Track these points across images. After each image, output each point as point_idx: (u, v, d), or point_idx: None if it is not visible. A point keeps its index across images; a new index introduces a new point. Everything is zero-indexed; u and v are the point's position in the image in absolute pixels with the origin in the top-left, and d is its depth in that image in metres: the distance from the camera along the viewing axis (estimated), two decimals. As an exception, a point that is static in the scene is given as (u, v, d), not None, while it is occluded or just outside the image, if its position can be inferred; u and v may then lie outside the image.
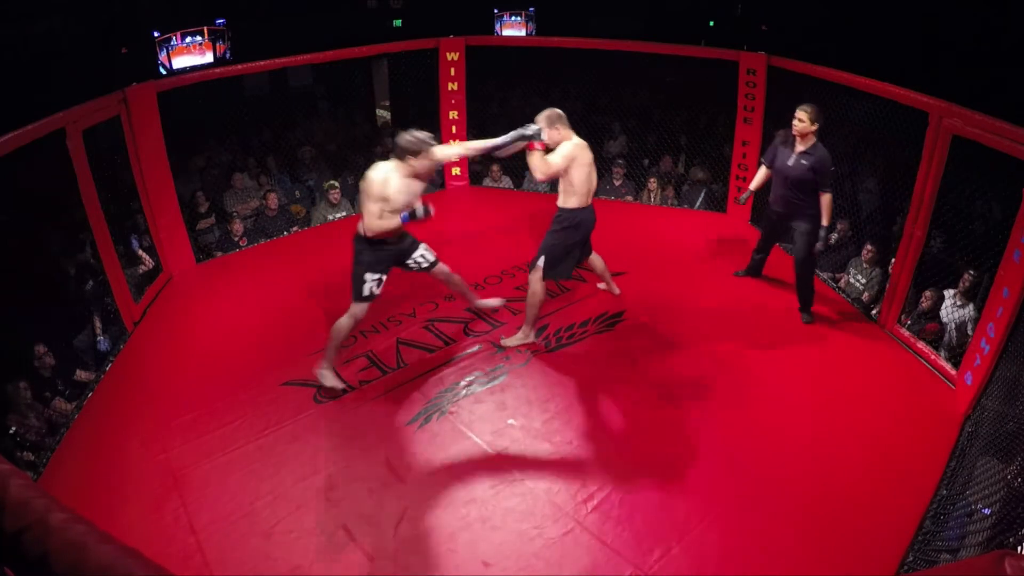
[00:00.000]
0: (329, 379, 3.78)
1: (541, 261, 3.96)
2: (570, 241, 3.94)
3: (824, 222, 4.18)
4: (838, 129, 5.01)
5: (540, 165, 3.68)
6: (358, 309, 3.68)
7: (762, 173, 4.67)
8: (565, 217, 3.90)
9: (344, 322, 3.68)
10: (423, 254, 3.90)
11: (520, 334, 4.22)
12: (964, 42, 6.44)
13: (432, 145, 3.52)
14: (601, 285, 4.83)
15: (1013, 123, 3.40)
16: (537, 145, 3.68)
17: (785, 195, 4.32)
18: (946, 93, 3.90)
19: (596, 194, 5.62)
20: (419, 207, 3.54)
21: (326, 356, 3.78)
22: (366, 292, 3.65)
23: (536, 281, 4.01)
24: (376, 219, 3.46)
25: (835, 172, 4.38)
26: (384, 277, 3.70)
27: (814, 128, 4.11)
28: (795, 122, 4.18)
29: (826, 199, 4.15)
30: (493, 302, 4.49)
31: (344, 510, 3.01)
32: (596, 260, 4.52)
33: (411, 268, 3.90)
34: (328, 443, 3.41)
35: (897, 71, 4.46)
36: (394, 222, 3.51)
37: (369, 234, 3.52)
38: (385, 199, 3.44)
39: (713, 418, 3.59)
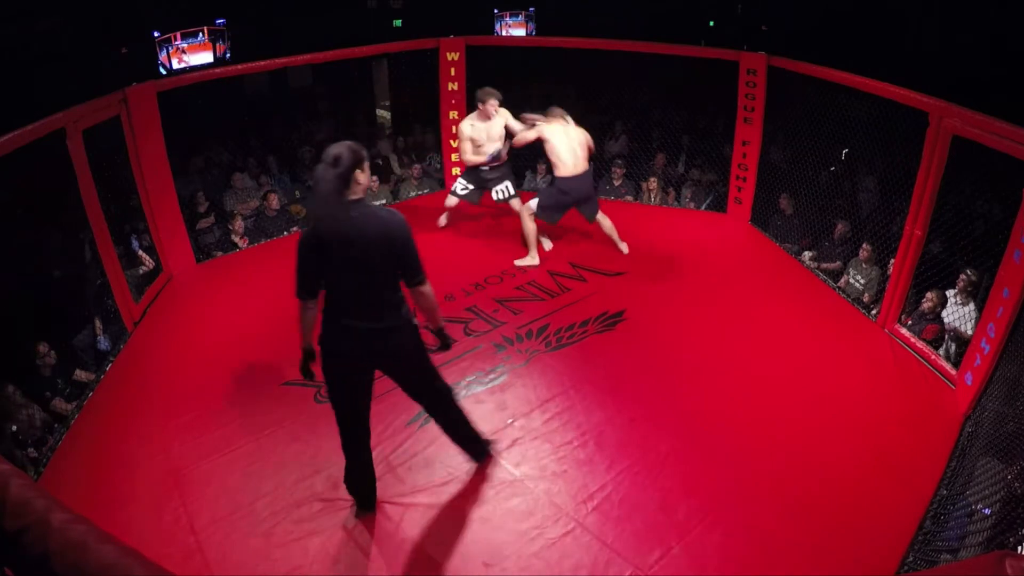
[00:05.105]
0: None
1: (534, 203, 5.14)
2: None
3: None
4: (838, 129, 5.01)
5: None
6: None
7: None
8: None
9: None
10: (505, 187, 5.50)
11: (530, 257, 5.27)
12: (964, 42, 6.45)
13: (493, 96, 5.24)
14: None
15: (1013, 123, 3.40)
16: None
17: None
18: (946, 93, 3.89)
19: (596, 193, 5.41)
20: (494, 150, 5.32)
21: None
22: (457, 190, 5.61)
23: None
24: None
25: (834, 172, 4.35)
26: (471, 185, 5.54)
27: None
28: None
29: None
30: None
31: (344, 510, 3.01)
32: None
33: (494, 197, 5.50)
34: (328, 443, 3.40)
35: (897, 71, 4.46)
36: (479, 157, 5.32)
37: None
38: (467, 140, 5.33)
39: (713, 418, 3.59)
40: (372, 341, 2.59)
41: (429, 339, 2.84)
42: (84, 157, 4.15)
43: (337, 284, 2.53)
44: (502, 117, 5.31)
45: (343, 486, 3.10)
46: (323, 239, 2.45)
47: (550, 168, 5.13)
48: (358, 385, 2.74)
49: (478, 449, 3.20)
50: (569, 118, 5.06)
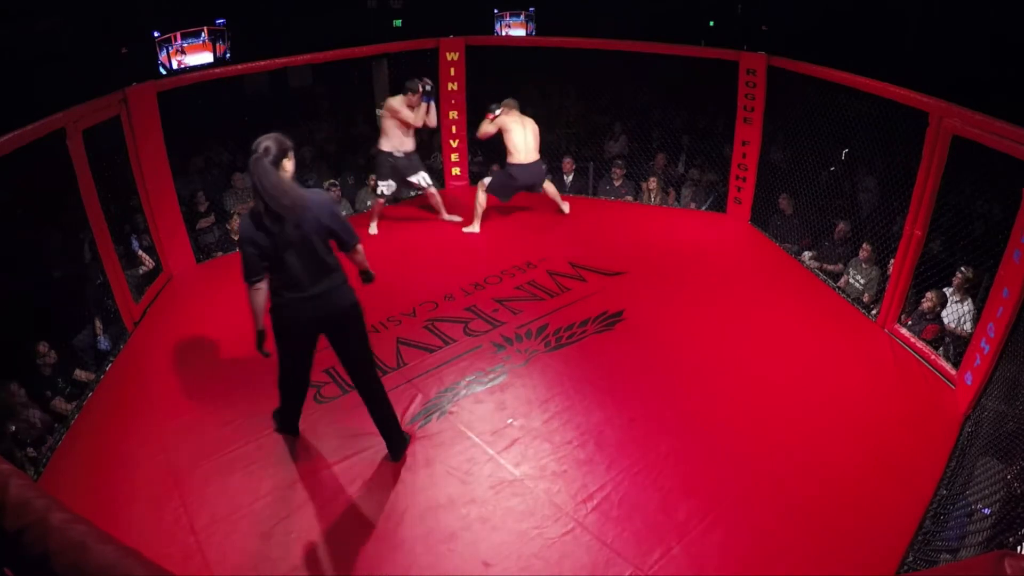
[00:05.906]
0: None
1: (488, 180, 5.67)
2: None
3: None
4: (838, 129, 5.01)
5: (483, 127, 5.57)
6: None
7: None
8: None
9: None
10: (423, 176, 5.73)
11: (473, 225, 5.80)
12: (964, 42, 6.45)
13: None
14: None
15: (1013, 123, 3.39)
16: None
17: None
18: (946, 93, 3.89)
19: (596, 193, 5.57)
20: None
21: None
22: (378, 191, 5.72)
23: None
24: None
25: (834, 172, 4.35)
26: (391, 183, 5.65)
27: None
28: None
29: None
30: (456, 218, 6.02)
31: (344, 510, 3.01)
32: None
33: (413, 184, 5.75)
34: (328, 443, 3.41)
35: (897, 71, 4.46)
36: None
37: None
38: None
39: (713, 418, 3.59)
40: (319, 303, 2.84)
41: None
42: (84, 157, 4.15)
43: (283, 262, 2.73)
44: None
45: (341, 486, 3.11)
46: (267, 224, 2.64)
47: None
48: (306, 351, 3.03)
49: (396, 440, 3.26)
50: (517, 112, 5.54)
